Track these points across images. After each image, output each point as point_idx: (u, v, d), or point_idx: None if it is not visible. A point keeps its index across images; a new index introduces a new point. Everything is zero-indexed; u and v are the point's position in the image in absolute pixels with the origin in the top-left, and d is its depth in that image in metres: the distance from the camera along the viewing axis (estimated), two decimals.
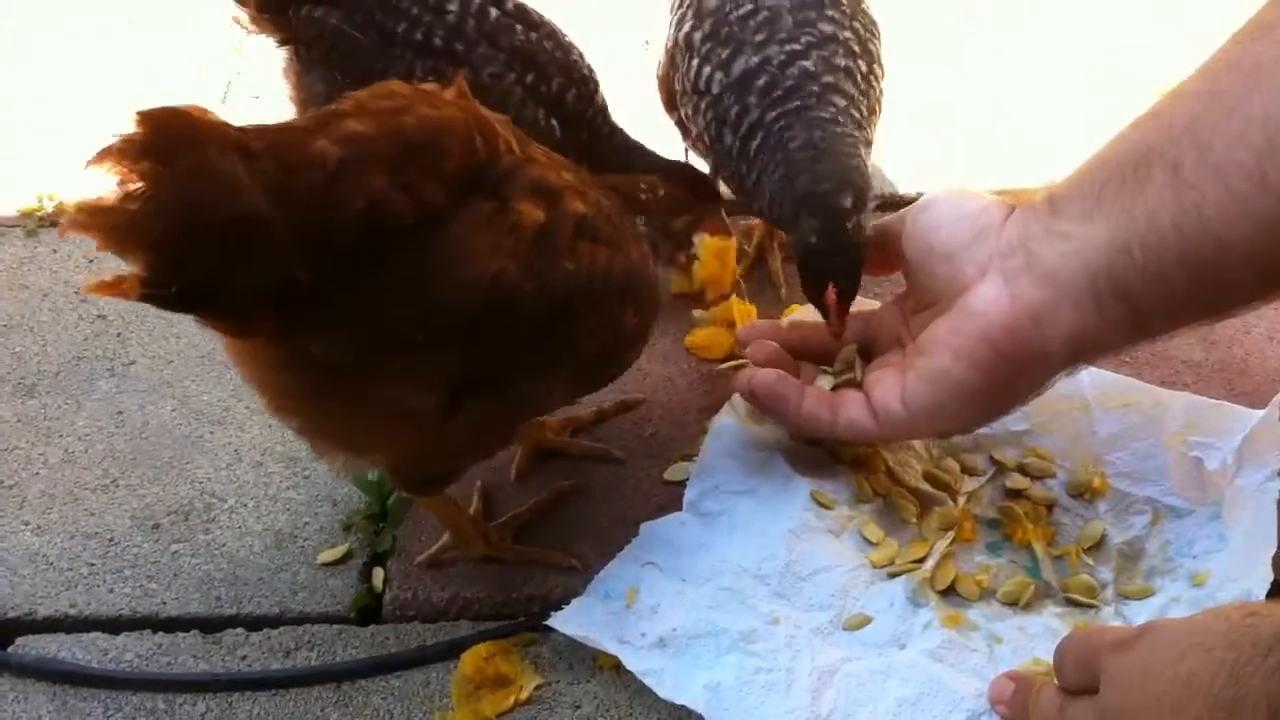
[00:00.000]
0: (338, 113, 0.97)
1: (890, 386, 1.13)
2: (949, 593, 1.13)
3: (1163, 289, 0.98)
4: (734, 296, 1.44)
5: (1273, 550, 1.09)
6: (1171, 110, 0.98)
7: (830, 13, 1.35)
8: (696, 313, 1.46)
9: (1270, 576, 1.07)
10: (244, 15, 1.40)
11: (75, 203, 0.84)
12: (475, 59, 1.37)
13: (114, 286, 0.87)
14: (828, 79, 1.30)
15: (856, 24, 1.37)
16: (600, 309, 1.07)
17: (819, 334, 1.22)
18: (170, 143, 0.84)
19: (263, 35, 1.42)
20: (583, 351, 1.08)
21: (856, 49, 1.34)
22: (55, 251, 1.62)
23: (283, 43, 1.41)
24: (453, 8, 1.37)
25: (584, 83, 1.45)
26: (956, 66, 1.91)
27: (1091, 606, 1.12)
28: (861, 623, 1.09)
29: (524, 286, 0.99)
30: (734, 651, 1.06)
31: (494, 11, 1.39)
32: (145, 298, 0.87)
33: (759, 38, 1.33)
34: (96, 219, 0.84)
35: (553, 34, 1.44)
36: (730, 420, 1.24)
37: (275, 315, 0.93)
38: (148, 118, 0.84)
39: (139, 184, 0.83)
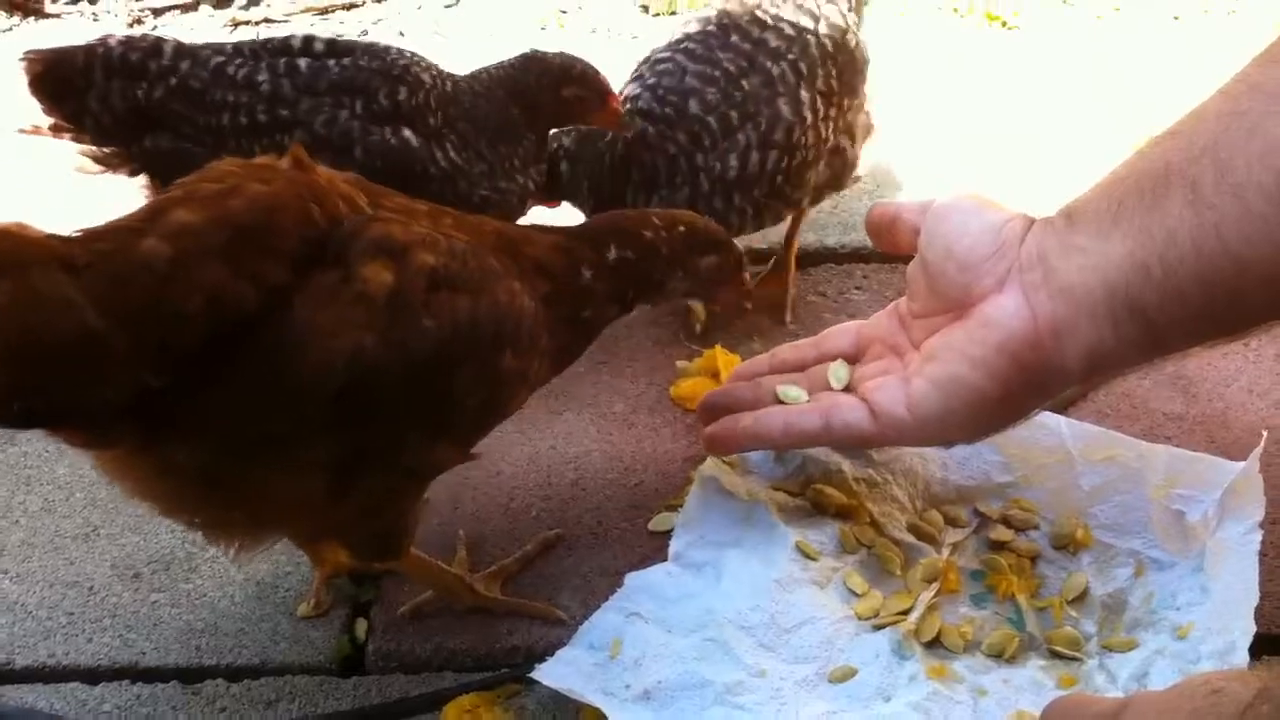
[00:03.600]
0: (168, 202, 0.94)
1: (894, 392, 1.11)
2: (934, 645, 1.12)
3: (1180, 307, 0.98)
4: (718, 346, 1.45)
5: (1255, 602, 1.09)
6: (1191, 130, 0.99)
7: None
8: (680, 363, 1.47)
9: (1252, 629, 1.07)
10: (89, 157, 1.38)
11: None
12: (303, 115, 1.35)
13: None
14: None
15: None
16: (473, 359, 1.03)
17: (799, 353, 1.24)
18: None
19: (111, 173, 1.39)
20: (465, 405, 1.05)
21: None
22: None
23: (133, 174, 1.39)
24: (263, 77, 1.35)
25: (404, 74, 1.39)
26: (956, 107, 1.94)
27: (1076, 659, 1.12)
28: (847, 675, 1.09)
29: (385, 356, 0.96)
30: (719, 704, 1.05)
31: (304, 61, 1.37)
32: None
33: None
34: None
35: (368, 49, 1.41)
36: (715, 471, 1.24)
37: (133, 425, 0.91)
38: None
39: None
